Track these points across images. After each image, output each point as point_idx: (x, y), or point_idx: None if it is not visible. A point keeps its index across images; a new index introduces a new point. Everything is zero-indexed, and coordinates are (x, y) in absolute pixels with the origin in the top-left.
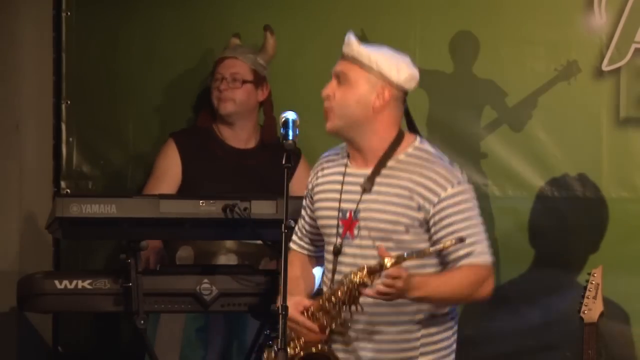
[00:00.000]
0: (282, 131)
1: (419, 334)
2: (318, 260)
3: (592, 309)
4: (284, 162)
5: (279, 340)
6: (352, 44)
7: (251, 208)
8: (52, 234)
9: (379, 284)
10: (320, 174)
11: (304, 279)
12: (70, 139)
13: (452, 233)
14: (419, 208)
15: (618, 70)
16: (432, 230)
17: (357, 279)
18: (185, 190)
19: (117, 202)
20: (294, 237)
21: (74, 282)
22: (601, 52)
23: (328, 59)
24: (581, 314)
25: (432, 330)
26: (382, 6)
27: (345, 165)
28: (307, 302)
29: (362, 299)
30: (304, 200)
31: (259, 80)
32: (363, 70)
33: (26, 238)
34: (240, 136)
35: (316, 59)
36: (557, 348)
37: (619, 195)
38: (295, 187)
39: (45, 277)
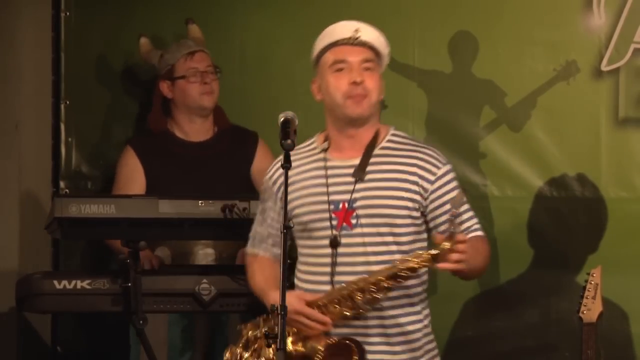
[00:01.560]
0: (280, 131)
1: (421, 316)
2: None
3: (591, 309)
4: (282, 162)
5: (279, 340)
6: (373, 32)
7: (250, 208)
8: (51, 234)
9: (452, 255)
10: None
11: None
12: (69, 139)
13: (450, 209)
14: (418, 188)
15: (617, 70)
16: (431, 206)
17: (416, 262)
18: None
19: (116, 202)
20: (255, 243)
21: (73, 282)
22: (600, 52)
23: None
24: (580, 314)
25: (426, 310)
26: (381, 6)
27: (324, 159)
28: (308, 295)
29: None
30: (264, 204)
31: (218, 70)
32: (380, 60)
33: (25, 238)
34: (203, 128)
35: None
36: (556, 348)
37: (617, 195)
38: (255, 170)
39: (44, 277)
